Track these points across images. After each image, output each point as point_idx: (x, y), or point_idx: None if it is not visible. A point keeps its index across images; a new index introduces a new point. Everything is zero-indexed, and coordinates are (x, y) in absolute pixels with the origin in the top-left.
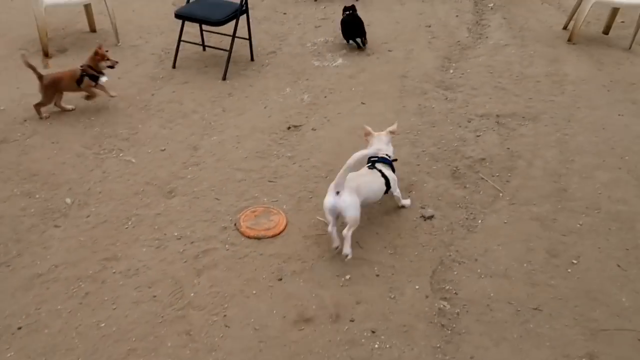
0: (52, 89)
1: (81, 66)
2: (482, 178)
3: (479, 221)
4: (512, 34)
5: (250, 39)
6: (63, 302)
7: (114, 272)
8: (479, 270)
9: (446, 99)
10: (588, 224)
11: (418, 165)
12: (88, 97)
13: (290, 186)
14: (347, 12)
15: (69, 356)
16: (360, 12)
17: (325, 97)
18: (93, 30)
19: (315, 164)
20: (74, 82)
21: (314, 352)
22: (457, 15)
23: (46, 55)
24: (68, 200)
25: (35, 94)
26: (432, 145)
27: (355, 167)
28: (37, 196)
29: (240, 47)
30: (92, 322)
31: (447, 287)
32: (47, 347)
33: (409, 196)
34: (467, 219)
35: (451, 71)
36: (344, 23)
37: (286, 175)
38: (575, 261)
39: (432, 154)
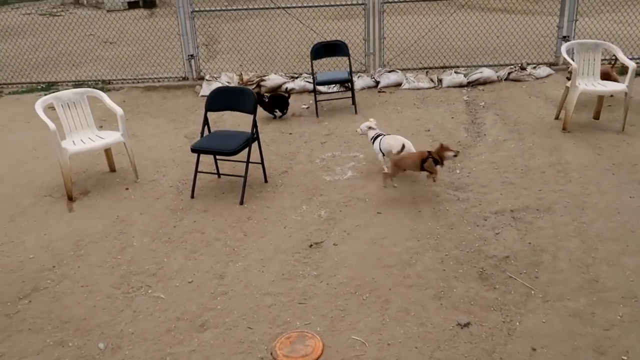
0: (400, 166)
1: (428, 152)
2: (511, 277)
3: (517, 323)
4: (508, 129)
5: (262, 162)
6: None
7: None
8: None
9: (458, 199)
10: (628, 314)
11: (444, 270)
12: (429, 176)
13: (321, 306)
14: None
15: None
16: (360, 123)
17: (341, 210)
18: (113, 170)
19: (343, 280)
20: (419, 162)
21: None
22: (452, 117)
23: (70, 199)
24: (101, 345)
25: (61, 239)
26: (454, 247)
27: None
28: (70, 344)
29: (253, 170)
30: None
31: None
32: None
33: (441, 304)
34: (504, 322)
35: (458, 171)
36: (272, 98)
37: (315, 296)
38: (625, 357)
39: (455, 257)
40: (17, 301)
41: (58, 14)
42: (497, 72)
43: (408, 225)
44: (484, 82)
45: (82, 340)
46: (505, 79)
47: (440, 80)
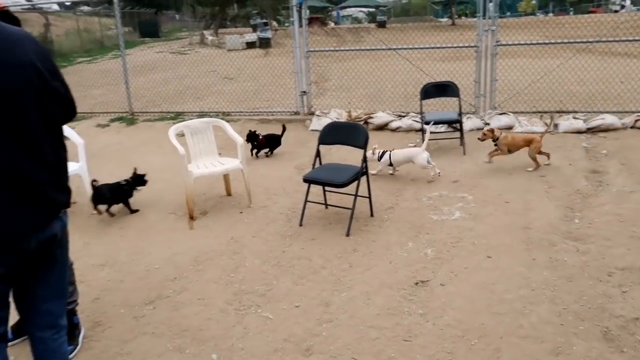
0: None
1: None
2: None
3: None
4: (635, 179)
5: (370, 196)
6: None
7: None
8: None
9: (578, 250)
10: None
11: (562, 324)
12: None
13: (427, 346)
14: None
15: None
16: (470, 165)
17: (448, 251)
18: (229, 194)
19: (450, 322)
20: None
21: None
22: (570, 164)
23: (192, 218)
24: (214, 357)
25: (182, 253)
26: (574, 302)
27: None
28: (187, 351)
29: (360, 203)
30: None
31: None
32: None
33: None
34: None
35: (576, 221)
36: (266, 138)
37: (421, 335)
38: None
39: (575, 312)
40: (144, 306)
41: (186, 52)
42: (621, 119)
43: (521, 273)
44: (606, 129)
45: (198, 349)
46: (632, 127)
47: (556, 125)
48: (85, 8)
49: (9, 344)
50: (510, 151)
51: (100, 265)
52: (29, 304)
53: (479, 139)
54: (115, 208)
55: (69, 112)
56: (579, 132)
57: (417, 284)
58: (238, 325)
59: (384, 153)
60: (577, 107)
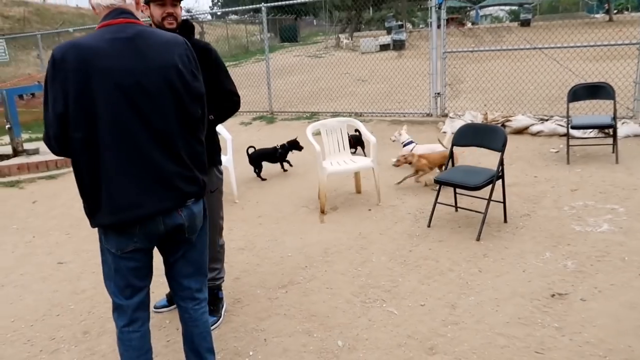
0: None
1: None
2: None
3: None
4: None
5: (504, 202)
6: None
7: None
8: None
9: None
10: None
11: None
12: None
13: None
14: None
15: None
16: (622, 175)
17: (592, 265)
18: (359, 192)
19: (590, 340)
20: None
21: None
22: None
23: (323, 212)
24: (340, 343)
25: (313, 244)
26: None
27: None
28: (315, 335)
29: (492, 209)
30: None
31: None
32: None
33: None
34: None
35: None
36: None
37: (555, 349)
38: None
39: None
40: (277, 289)
41: (321, 55)
42: None
43: None
44: None
45: (325, 335)
46: None
47: None
48: (234, 17)
49: (165, 309)
50: (431, 168)
51: (240, 249)
52: (172, 278)
53: (394, 165)
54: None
55: (231, 107)
56: None
57: (553, 296)
58: (363, 316)
59: (410, 142)
60: None
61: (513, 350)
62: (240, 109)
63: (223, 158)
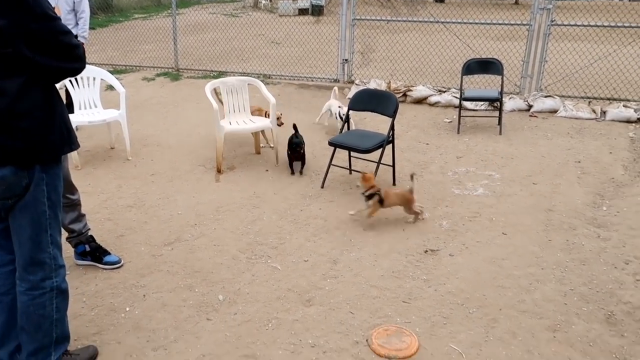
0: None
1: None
2: None
3: None
4: None
5: (394, 165)
6: None
7: None
8: None
9: (599, 237)
10: None
11: (565, 304)
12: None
13: (425, 309)
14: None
15: None
16: (504, 145)
17: (464, 224)
18: (258, 152)
19: (451, 290)
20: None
21: None
22: (610, 152)
23: (219, 171)
24: (220, 297)
25: (205, 203)
26: (582, 284)
27: None
28: (197, 290)
29: (383, 172)
30: None
31: None
32: None
33: (554, 337)
34: None
35: (604, 208)
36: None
37: (420, 298)
38: None
39: (581, 294)
40: (163, 247)
41: (237, 15)
42: None
43: (534, 252)
44: None
45: (206, 289)
46: None
47: (603, 112)
48: None
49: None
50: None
51: (128, 207)
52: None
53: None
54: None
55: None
56: (628, 121)
57: (426, 252)
58: (247, 272)
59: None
60: (631, 95)
61: (383, 301)
62: (145, 64)
63: (115, 113)
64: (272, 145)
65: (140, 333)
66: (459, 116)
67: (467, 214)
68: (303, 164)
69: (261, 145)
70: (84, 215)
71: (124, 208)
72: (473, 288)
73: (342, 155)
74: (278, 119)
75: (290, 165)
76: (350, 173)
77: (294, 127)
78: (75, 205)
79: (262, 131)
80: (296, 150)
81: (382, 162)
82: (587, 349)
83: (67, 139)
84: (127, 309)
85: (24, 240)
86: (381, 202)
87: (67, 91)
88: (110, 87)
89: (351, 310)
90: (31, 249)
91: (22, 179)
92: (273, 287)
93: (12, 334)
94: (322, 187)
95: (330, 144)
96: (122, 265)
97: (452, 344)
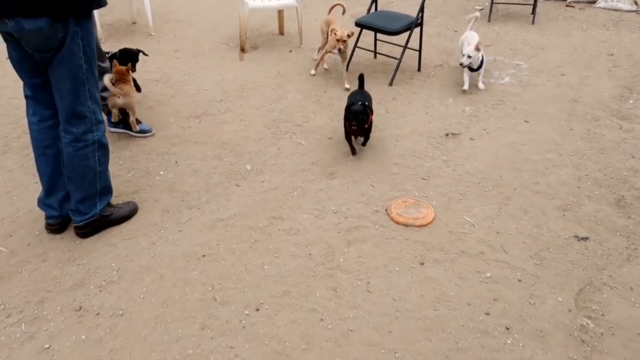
0: None
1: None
2: None
3: None
4: None
5: (420, 50)
6: (237, 243)
7: (279, 229)
8: (633, 299)
9: (621, 128)
10: None
11: (578, 187)
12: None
13: (442, 186)
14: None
15: (238, 284)
16: (535, 35)
17: (487, 111)
18: (282, 33)
19: (469, 170)
20: None
21: (446, 331)
22: None
23: (242, 50)
24: (248, 167)
25: (230, 80)
26: (598, 170)
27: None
28: (225, 160)
29: (409, 57)
30: (258, 263)
31: (594, 307)
32: (222, 274)
33: (564, 215)
34: (627, 248)
35: (631, 101)
36: (122, 53)
37: (439, 176)
38: None
39: (595, 179)
40: (191, 119)
41: None
42: None
43: (554, 140)
44: None
45: (235, 159)
46: None
47: None
48: None
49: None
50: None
51: (155, 81)
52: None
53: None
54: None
55: None
56: None
57: (447, 135)
58: (273, 146)
59: None
60: None
61: (403, 177)
62: None
63: None
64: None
65: (174, 194)
66: (491, 3)
67: (491, 101)
68: (367, 138)
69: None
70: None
71: (150, 82)
72: (490, 169)
73: (367, 39)
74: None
75: (349, 141)
76: (375, 57)
77: (360, 79)
78: (106, 73)
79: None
80: (360, 121)
81: (408, 46)
82: (594, 226)
83: None
84: (161, 172)
85: (64, 94)
86: None
87: None
88: None
89: (372, 183)
90: (72, 101)
91: (58, 32)
92: (298, 160)
93: (59, 185)
94: (347, 69)
95: (357, 24)
96: (153, 134)
97: (466, 217)
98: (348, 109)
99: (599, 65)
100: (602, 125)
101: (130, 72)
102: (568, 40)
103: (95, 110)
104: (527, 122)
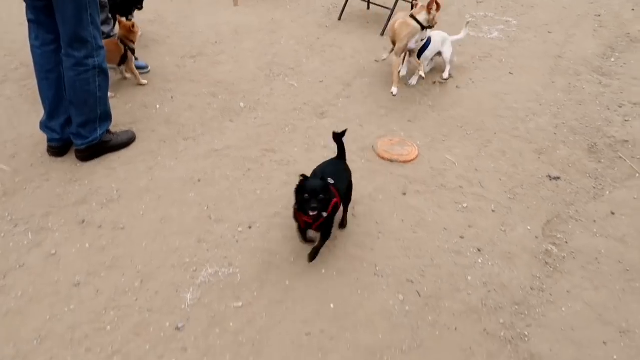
0: None
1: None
2: (621, 157)
3: (607, 192)
4: None
5: (412, 4)
6: (231, 171)
7: (271, 160)
8: (594, 230)
9: (600, 83)
10: None
11: (555, 134)
12: None
13: (427, 127)
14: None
15: (232, 206)
16: None
17: (473, 63)
18: None
19: (453, 115)
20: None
21: (423, 250)
22: (633, 9)
23: None
24: (242, 104)
25: (224, 24)
26: (574, 120)
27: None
28: (220, 97)
29: (401, 9)
30: (251, 188)
31: (559, 236)
32: (217, 197)
33: (539, 158)
34: (594, 187)
35: (612, 60)
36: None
37: (424, 119)
38: None
39: (571, 127)
40: (186, 59)
41: None
42: None
43: (536, 91)
44: None
45: (229, 97)
46: None
47: None
48: None
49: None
50: None
51: (150, 21)
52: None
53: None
54: None
55: None
56: None
57: (434, 83)
58: (266, 86)
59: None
60: None
61: (390, 119)
62: None
63: None
64: None
65: (170, 126)
66: None
67: (479, 54)
68: (327, 235)
69: None
70: (111, 19)
71: (145, 22)
72: (473, 115)
73: None
74: None
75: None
76: (369, 8)
77: (338, 140)
78: (104, 7)
79: None
80: (315, 206)
81: None
82: (566, 168)
83: None
84: (158, 106)
85: (67, 17)
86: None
87: None
88: None
89: (360, 123)
90: (74, 25)
91: None
92: (290, 100)
93: (61, 109)
94: (340, 19)
95: None
96: (149, 71)
97: (448, 156)
98: (300, 184)
99: (586, 24)
100: (583, 79)
101: (136, 27)
102: (558, 1)
103: (96, 36)
104: (512, 74)
